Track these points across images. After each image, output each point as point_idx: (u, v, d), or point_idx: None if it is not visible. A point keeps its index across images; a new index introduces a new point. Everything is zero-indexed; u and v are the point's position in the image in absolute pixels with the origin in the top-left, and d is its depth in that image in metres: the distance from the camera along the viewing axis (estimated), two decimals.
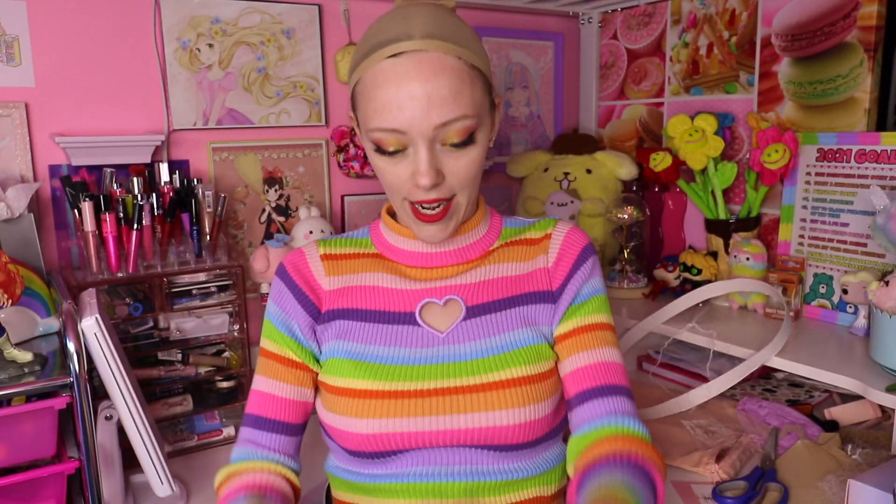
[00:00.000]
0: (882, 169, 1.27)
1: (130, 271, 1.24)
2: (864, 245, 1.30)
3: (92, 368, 1.01)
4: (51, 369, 0.99)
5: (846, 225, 1.33)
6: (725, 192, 1.54)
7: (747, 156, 1.51)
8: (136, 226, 1.23)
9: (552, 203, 1.69)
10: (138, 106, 1.38)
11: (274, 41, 1.51)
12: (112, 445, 1.07)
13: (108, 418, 1.06)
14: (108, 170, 1.31)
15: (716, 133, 1.48)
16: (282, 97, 1.53)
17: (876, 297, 1.10)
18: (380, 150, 0.79)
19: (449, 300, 0.87)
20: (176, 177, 1.36)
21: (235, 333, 1.34)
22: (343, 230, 1.64)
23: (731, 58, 1.58)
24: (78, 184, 1.25)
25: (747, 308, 1.46)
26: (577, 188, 1.69)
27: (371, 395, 0.82)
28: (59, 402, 0.96)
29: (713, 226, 1.53)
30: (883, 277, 1.12)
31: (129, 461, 1.10)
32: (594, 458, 0.77)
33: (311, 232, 1.46)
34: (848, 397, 1.32)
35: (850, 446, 1.11)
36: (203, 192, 1.33)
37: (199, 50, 1.43)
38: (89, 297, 1.08)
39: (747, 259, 1.43)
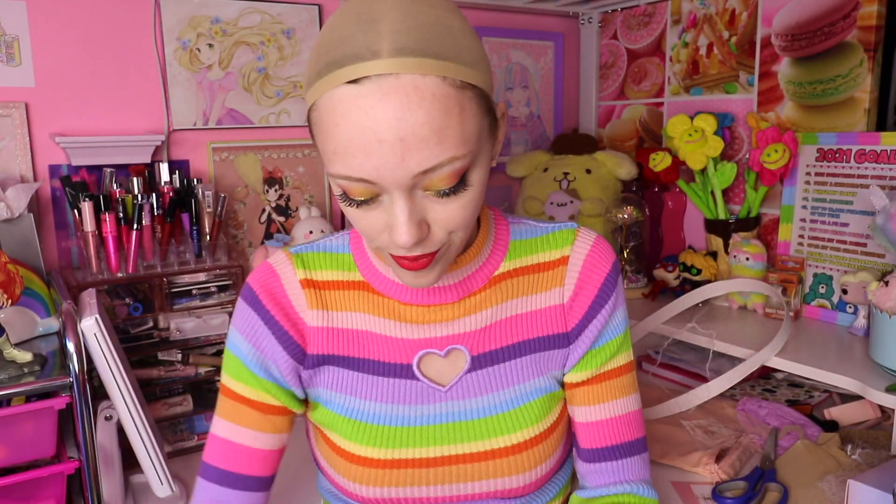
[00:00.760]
0: (882, 169, 1.27)
1: (130, 271, 1.24)
2: (864, 245, 1.30)
3: (92, 368, 1.01)
4: (50, 369, 0.99)
5: (846, 225, 1.33)
6: (725, 192, 1.54)
7: (747, 156, 1.51)
8: (136, 226, 1.23)
9: (552, 203, 1.69)
10: (138, 106, 1.38)
11: (274, 41, 1.51)
12: (112, 445, 1.07)
13: (108, 418, 1.06)
14: (108, 170, 1.31)
15: (715, 133, 1.48)
16: (282, 97, 1.53)
17: (876, 297, 1.10)
18: (347, 198, 0.62)
19: (451, 350, 0.76)
20: (176, 177, 1.36)
21: None
22: (343, 230, 1.64)
23: (731, 58, 1.58)
24: (78, 184, 1.25)
25: (747, 308, 1.46)
26: (576, 188, 1.69)
27: (374, 463, 0.74)
28: (59, 403, 0.96)
29: (713, 226, 1.53)
30: (882, 277, 1.12)
31: (129, 461, 1.10)
32: None
33: (310, 232, 1.46)
34: (847, 397, 1.32)
35: (849, 446, 1.11)
36: (203, 192, 1.33)
37: (199, 50, 1.43)
38: (89, 297, 1.08)
39: (747, 259, 1.43)
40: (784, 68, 1.48)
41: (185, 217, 1.33)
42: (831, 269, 1.35)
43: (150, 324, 1.28)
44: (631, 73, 1.82)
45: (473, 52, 0.61)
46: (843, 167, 1.33)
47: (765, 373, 1.47)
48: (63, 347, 1.00)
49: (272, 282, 0.76)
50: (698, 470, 1.12)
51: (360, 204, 0.62)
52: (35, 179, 1.29)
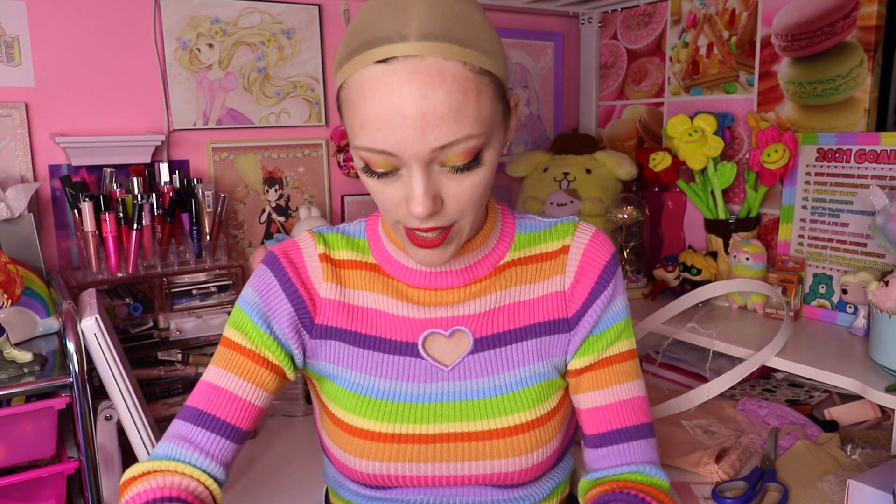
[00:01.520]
0: (882, 169, 1.27)
1: (130, 271, 1.24)
2: (864, 245, 1.30)
3: (92, 368, 1.01)
4: (50, 369, 0.99)
5: (846, 225, 1.33)
6: (725, 192, 1.55)
7: (747, 156, 1.51)
8: (136, 226, 1.24)
9: (552, 203, 1.69)
10: (138, 106, 1.38)
11: (274, 41, 1.51)
12: (112, 445, 1.07)
13: (108, 418, 1.06)
14: (108, 170, 1.31)
15: (715, 133, 1.48)
16: (282, 97, 1.53)
17: (875, 297, 1.10)
18: (368, 169, 0.68)
19: (455, 331, 0.79)
20: (176, 177, 1.36)
21: None
22: None
23: (731, 58, 1.58)
24: (78, 184, 1.25)
25: (747, 308, 1.46)
26: (576, 188, 1.69)
27: (375, 437, 0.77)
28: (59, 403, 0.96)
29: (713, 226, 1.53)
30: (882, 277, 1.12)
31: (129, 461, 1.10)
32: (609, 489, 0.76)
33: (312, 228, 1.45)
34: (847, 397, 1.32)
35: (849, 446, 1.11)
36: (203, 192, 1.33)
37: (199, 50, 1.43)
38: (89, 297, 1.08)
39: (747, 259, 1.43)
40: (784, 68, 1.48)
41: (185, 217, 1.33)
42: (831, 269, 1.35)
43: (150, 324, 1.28)
44: (631, 73, 1.82)
45: (492, 42, 0.67)
46: (843, 167, 1.33)
47: (765, 373, 1.47)
48: (63, 347, 1.00)
49: (294, 251, 0.81)
50: (698, 470, 1.12)
51: (380, 176, 0.67)
52: (35, 179, 1.29)
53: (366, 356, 0.79)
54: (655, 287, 1.60)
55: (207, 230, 1.34)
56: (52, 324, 1.13)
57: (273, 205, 1.56)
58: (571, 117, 1.99)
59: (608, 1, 1.79)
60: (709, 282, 1.50)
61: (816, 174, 1.38)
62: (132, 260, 1.24)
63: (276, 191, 1.55)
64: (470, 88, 0.64)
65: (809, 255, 1.39)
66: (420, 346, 0.79)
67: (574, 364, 0.81)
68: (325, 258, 0.81)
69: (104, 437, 1.06)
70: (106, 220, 1.22)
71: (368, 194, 1.64)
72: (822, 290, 1.37)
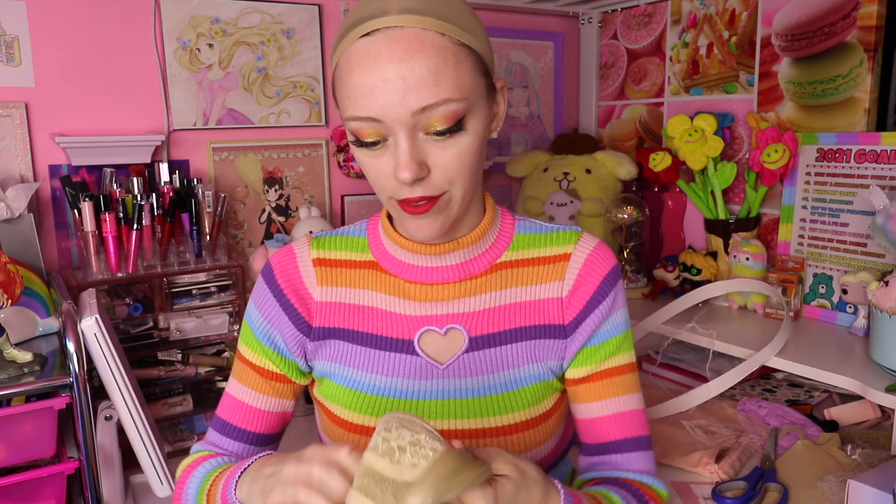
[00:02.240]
0: (882, 169, 1.27)
1: (130, 271, 1.24)
2: (864, 245, 1.30)
3: (92, 368, 1.01)
4: (50, 369, 0.99)
5: (846, 225, 1.33)
6: (725, 192, 1.55)
7: (747, 156, 1.51)
8: (136, 226, 1.23)
9: (552, 203, 1.68)
10: (138, 106, 1.38)
11: (274, 41, 1.51)
12: (112, 445, 1.07)
13: (108, 418, 1.06)
14: (108, 170, 1.31)
15: (715, 133, 1.48)
16: (282, 97, 1.53)
17: (875, 298, 1.10)
18: (358, 141, 0.70)
19: (450, 329, 0.79)
20: (176, 177, 1.36)
21: (235, 333, 1.34)
22: None
23: (731, 58, 1.58)
24: (78, 184, 1.25)
25: (747, 308, 1.46)
26: (576, 188, 1.69)
27: (369, 432, 0.78)
28: (59, 403, 0.96)
29: (713, 226, 1.53)
30: (882, 277, 1.12)
31: (129, 461, 1.10)
32: (606, 480, 0.77)
33: (311, 232, 1.46)
34: (847, 397, 1.32)
35: (849, 446, 1.11)
36: (203, 192, 1.33)
37: (199, 50, 1.43)
38: (89, 297, 1.08)
39: (747, 259, 1.43)
40: (784, 68, 1.48)
41: (185, 217, 1.33)
42: (831, 269, 1.35)
43: (150, 324, 1.28)
44: (631, 73, 1.82)
45: (472, 23, 0.71)
46: (843, 167, 1.33)
47: (765, 373, 1.47)
48: (63, 347, 1.00)
49: (288, 260, 0.83)
50: (698, 470, 1.12)
51: (370, 146, 0.69)
52: (35, 179, 1.29)
53: (362, 353, 0.80)
54: (655, 287, 1.60)
55: (207, 230, 1.34)
56: (52, 324, 1.13)
57: (273, 205, 1.56)
58: (571, 117, 1.99)
59: (608, 1, 1.79)
60: (709, 282, 1.50)
61: (816, 174, 1.38)
62: (132, 260, 1.24)
63: (276, 191, 1.55)
64: (448, 56, 0.67)
65: (809, 255, 1.39)
66: (416, 344, 0.79)
67: (571, 374, 0.81)
68: (319, 262, 0.83)
69: (104, 437, 1.06)
70: (106, 220, 1.22)
71: (368, 194, 1.65)
72: (822, 290, 1.37)
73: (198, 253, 1.32)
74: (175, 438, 1.29)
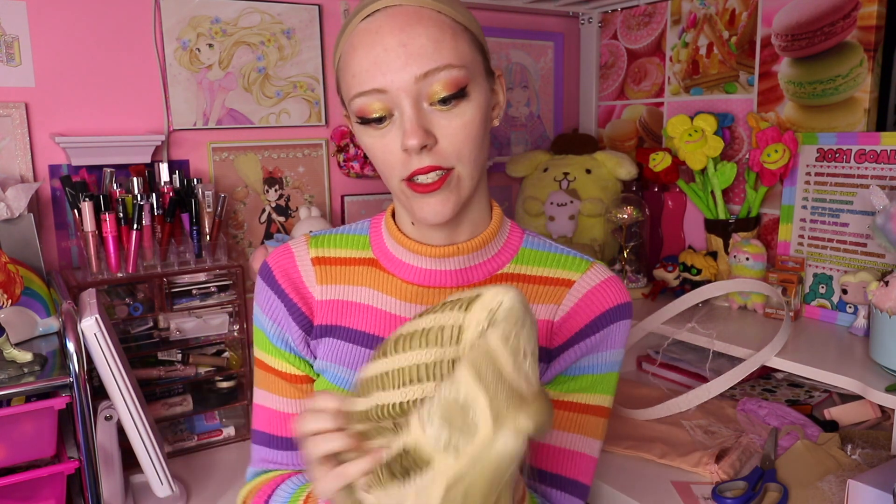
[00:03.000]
0: (882, 169, 1.27)
1: (130, 271, 1.24)
2: (864, 245, 1.30)
3: (92, 368, 1.01)
4: (50, 369, 0.99)
5: (846, 225, 1.33)
6: (725, 192, 1.54)
7: (747, 156, 1.51)
8: (136, 226, 1.24)
9: (552, 203, 1.68)
10: (138, 106, 1.38)
11: (274, 41, 1.51)
12: (112, 445, 1.07)
13: (108, 418, 1.06)
14: (108, 170, 1.31)
15: (715, 133, 1.48)
16: (282, 97, 1.53)
17: (875, 297, 1.10)
18: (364, 120, 0.70)
19: None
20: (176, 177, 1.36)
21: (235, 333, 1.34)
22: None
23: (731, 58, 1.58)
24: (78, 184, 1.25)
25: (747, 308, 1.46)
26: (576, 188, 1.69)
27: None
28: (59, 403, 0.96)
29: (713, 226, 1.53)
30: (882, 277, 1.12)
31: (129, 461, 1.10)
32: None
33: (310, 232, 1.45)
34: (847, 397, 1.32)
35: (849, 446, 1.11)
36: (203, 192, 1.33)
37: (199, 50, 1.43)
38: (89, 297, 1.08)
39: (747, 259, 1.43)
40: (784, 68, 1.48)
41: (185, 217, 1.33)
42: (831, 269, 1.35)
43: (150, 324, 1.28)
44: (631, 73, 1.82)
45: (466, 11, 0.73)
46: (843, 167, 1.33)
47: (765, 373, 1.47)
48: (63, 347, 1.00)
49: (286, 260, 0.83)
50: (698, 470, 1.12)
51: (376, 123, 0.70)
52: (35, 179, 1.29)
53: (354, 351, 0.79)
54: (655, 287, 1.60)
55: (207, 230, 1.34)
56: (52, 324, 1.13)
57: (273, 205, 1.56)
58: (571, 117, 1.99)
59: (608, 1, 1.79)
60: (709, 282, 1.49)
61: (816, 174, 1.38)
62: (132, 260, 1.24)
63: (276, 191, 1.55)
64: (446, 28, 0.69)
65: (809, 255, 1.39)
66: None
67: None
68: (318, 261, 0.82)
69: (104, 437, 1.06)
70: (106, 220, 1.22)
71: (368, 194, 1.65)
72: (822, 290, 1.37)
73: (198, 253, 1.32)
74: (175, 438, 1.29)
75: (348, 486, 0.57)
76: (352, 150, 1.55)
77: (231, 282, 1.33)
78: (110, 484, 1.07)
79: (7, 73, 1.26)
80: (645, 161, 1.58)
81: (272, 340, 0.82)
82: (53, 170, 1.31)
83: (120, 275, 1.24)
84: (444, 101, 0.68)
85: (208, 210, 1.34)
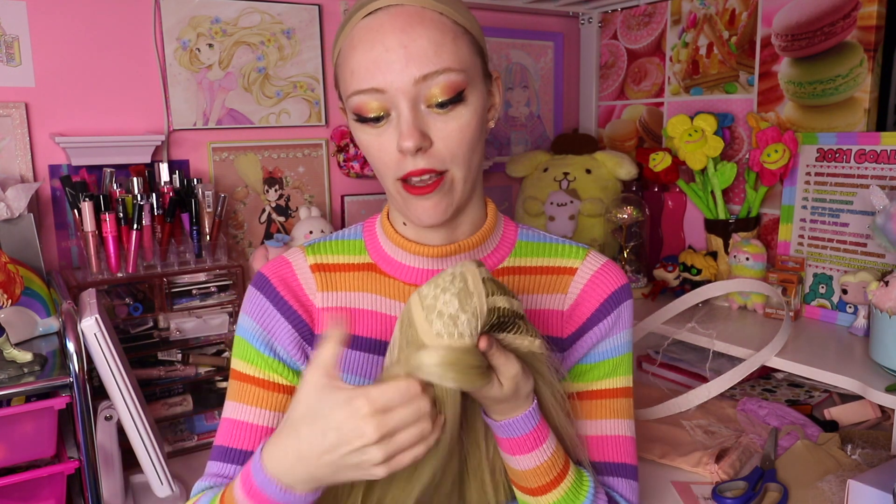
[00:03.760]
0: (882, 169, 1.27)
1: (130, 271, 1.24)
2: (864, 245, 1.30)
3: (92, 368, 1.01)
4: (50, 369, 0.99)
5: (846, 225, 1.33)
6: (725, 192, 1.54)
7: (747, 156, 1.51)
8: (136, 226, 1.23)
9: (552, 203, 1.68)
10: (138, 106, 1.38)
11: (274, 41, 1.51)
12: (112, 445, 1.07)
13: (108, 418, 1.06)
14: (108, 170, 1.31)
15: (715, 133, 1.48)
16: (282, 97, 1.53)
17: (875, 297, 1.10)
18: (361, 118, 0.70)
19: None
20: (176, 177, 1.36)
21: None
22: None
23: (731, 58, 1.58)
24: (78, 184, 1.25)
25: (747, 308, 1.46)
26: (576, 188, 1.69)
27: None
28: (59, 403, 0.96)
29: (713, 226, 1.53)
30: (882, 277, 1.12)
31: (129, 461, 1.10)
32: None
33: (310, 232, 1.46)
34: (847, 397, 1.32)
35: (849, 446, 1.11)
36: (203, 192, 1.33)
37: (199, 50, 1.43)
38: (89, 297, 1.08)
39: (747, 259, 1.43)
40: (784, 68, 1.48)
41: (185, 217, 1.33)
42: (831, 269, 1.35)
43: (150, 324, 1.28)
44: (631, 73, 1.82)
45: (466, 12, 0.73)
46: (843, 167, 1.33)
47: (765, 373, 1.47)
48: (63, 347, 1.00)
49: (284, 269, 0.81)
50: (698, 470, 1.12)
51: (373, 122, 0.70)
52: (35, 179, 1.29)
53: (361, 358, 0.78)
54: (655, 287, 1.60)
55: (207, 230, 1.34)
56: (52, 324, 1.13)
57: (273, 205, 1.56)
58: (571, 117, 1.99)
59: (608, 1, 1.79)
60: (709, 282, 1.49)
61: (816, 174, 1.38)
62: (132, 260, 1.24)
63: (276, 191, 1.55)
64: (447, 30, 0.69)
65: (809, 255, 1.39)
66: None
67: (564, 388, 0.80)
68: (318, 268, 0.81)
69: (104, 437, 1.06)
70: (106, 220, 1.22)
71: (368, 194, 1.65)
72: (822, 290, 1.37)
73: (198, 253, 1.32)
74: (175, 438, 1.29)
75: None
76: (352, 150, 1.55)
77: (231, 282, 1.33)
78: (110, 484, 1.07)
79: (7, 73, 1.26)
80: (645, 161, 1.58)
81: (256, 347, 0.78)
82: (53, 170, 1.31)
83: (120, 275, 1.24)
84: (441, 105, 0.69)
85: (208, 210, 1.34)
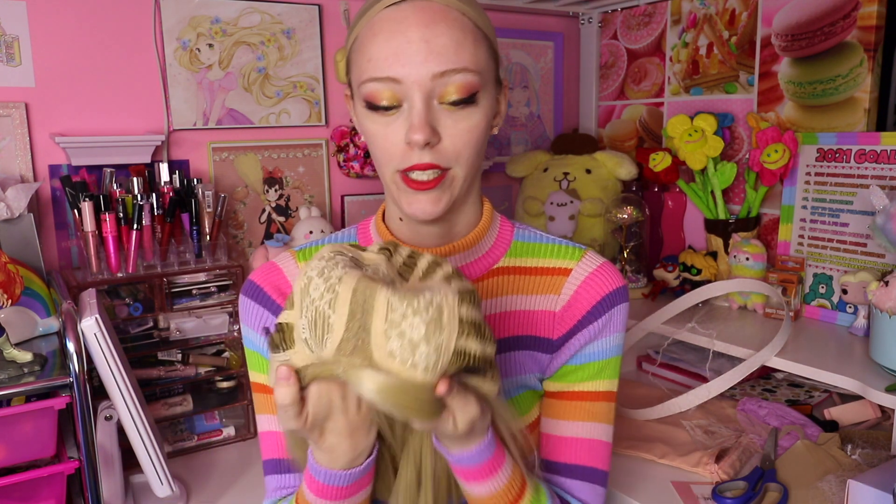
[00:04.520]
0: (882, 169, 1.27)
1: (130, 271, 1.24)
2: (864, 245, 1.30)
3: (92, 368, 1.01)
4: (50, 369, 0.99)
5: (846, 225, 1.33)
6: (725, 192, 1.54)
7: (747, 156, 1.51)
8: (135, 226, 1.24)
9: (552, 203, 1.68)
10: (138, 106, 1.38)
11: (274, 41, 1.51)
12: (112, 445, 1.07)
13: (108, 418, 1.06)
14: (108, 170, 1.31)
15: (715, 133, 1.48)
16: (282, 97, 1.53)
17: (875, 298, 1.10)
18: (371, 106, 0.70)
19: None
20: (176, 177, 1.36)
21: (235, 333, 1.34)
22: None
23: (731, 58, 1.58)
24: (78, 184, 1.25)
25: (747, 308, 1.46)
26: (576, 188, 1.69)
27: None
28: (59, 402, 0.96)
29: (713, 226, 1.53)
30: (882, 277, 1.12)
31: (129, 461, 1.10)
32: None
33: (310, 232, 1.46)
34: (847, 397, 1.32)
35: (849, 446, 1.11)
36: (203, 192, 1.33)
37: (199, 50, 1.43)
38: (89, 297, 1.08)
39: (747, 259, 1.43)
40: (784, 68, 1.48)
41: (185, 217, 1.33)
42: (831, 269, 1.35)
43: (150, 324, 1.28)
44: (631, 73, 1.82)
45: (487, 18, 0.74)
46: (843, 167, 1.33)
47: (765, 373, 1.47)
48: (63, 347, 1.00)
49: (274, 274, 0.80)
50: (698, 470, 1.12)
51: (384, 111, 0.70)
52: (35, 179, 1.29)
53: None
54: (655, 287, 1.60)
55: (207, 230, 1.34)
56: (52, 324, 1.13)
57: (273, 205, 1.56)
58: (571, 117, 1.99)
59: (608, 1, 1.79)
60: (709, 282, 1.49)
61: (816, 174, 1.38)
62: (132, 260, 1.24)
63: (276, 191, 1.55)
64: (468, 31, 0.70)
65: (809, 255, 1.39)
66: None
67: (547, 385, 0.80)
68: None
69: (104, 437, 1.06)
70: (106, 220, 1.22)
71: (368, 194, 1.65)
72: (822, 290, 1.37)
73: (198, 253, 1.32)
74: (175, 438, 1.29)
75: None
76: (352, 150, 1.55)
77: (231, 282, 1.33)
78: (110, 484, 1.07)
79: (7, 73, 1.26)
80: (645, 161, 1.58)
81: (265, 356, 0.78)
82: (53, 170, 1.31)
83: (120, 275, 1.24)
84: (454, 104, 0.69)
85: (208, 210, 1.34)
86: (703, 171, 1.51)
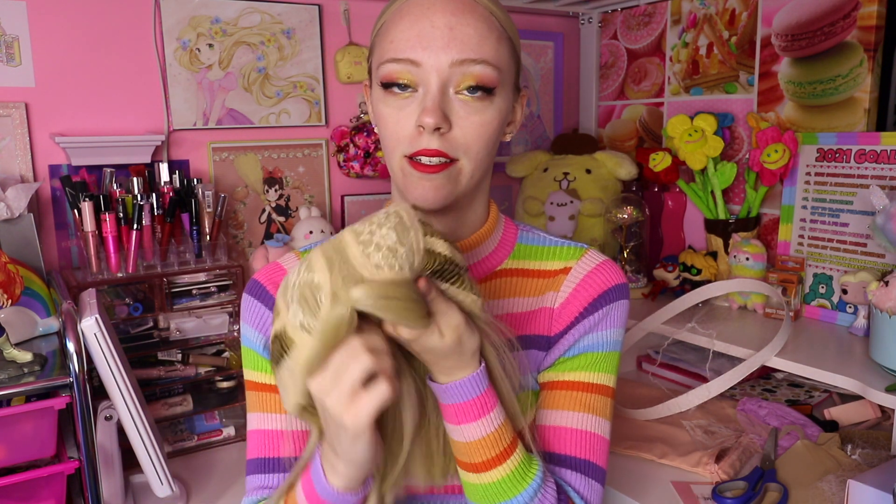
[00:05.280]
0: (882, 169, 1.27)
1: (130, 271, 1.24)
2: (864, 245, 1.30)
3: (92, 368, 1.01)
4: (50, 369, 0.99)
5: (846, 225, 1.33)
6: (725, 192, 1.54)
7: (747, 156, 1.51)
8: (135, 226, 1.24)
9: (552, 203, 1.68)
10: (138, 106, 1.38)
11: (274, 41, 1.51)
12: (112, 445, 1.07)
13: (108, 418, 1.06)
14: (108, 170, 1.31)
15: (715, 133, 1.48)
16: (282, 97, 1.53)
17: (875, 297, 1.10)
18: (387, 85, 0.70)
19: None
20: (176, 177, 1.36)
21: (235, 333, 1.34)
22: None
23: (731, 58, 1.58)
24: (78, 184, 1.25)
25: (747, 308, 1.46)
26: (576, 188, 1.69)
27: None
28: (59, 403, 0.96)
29: (713, 226, 1.53)
30: (882, 277, 1.12)
31: (129, 461, 1.10)
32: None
33: (311, 232, 1.46)
34: (847, 397, 1.32)
35: (849, 446, 1.11)
36: (203, 192, 1.33)
37: (199, 50, 1.43)
38: (89, 297, 1.08)
39: (747, 259, 1.43)
40: (784, 68, 1.48)
41: (185, 217, 1.33)
42: (831, 269, 1.35)
43: (150, 324, 1.28)
44: (631, 73, 1.82)
45: (513, 24, 0.75)
46: (843, 167, 1.33)
47: (765, 373, 1.47)
48: (63, 347, 1.00)
49: (278, 274, 0.80)
50: (698, 470, 1.12)
51: (399, 90, 0.69)
52: (35, 179, 1.29)
53: None
54: (655, 287, 1.60)
55: (207, 230, 1.34)
56: (52, 324, 1.13)
57: (273, 205, 1.56)
58: (571, 117, 1.99)
59: (608, 1, 1.79)
60: (709, 282, 1.49)
61: (816, 174, 1.38)
62: (132, 260, 1.24)
63: (276, 191, 1.55)
64: (493, 28, 0.70)
65: (809, 255, 1.39)
66: None
67: (541, 377, 0.79)
68: None
69: (104, 437, 1.06)
70: (106, 220, 1.22)
71: (368, 194, 1.65)
72: (822, 290, 1.37)
73: (198, 253, 1.32)
74: (175, 438, 1.29)
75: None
76: (352, 150, 1.55)
77: (231, 282, 1.33)
78: (110, 484, 1.07)
79: (7, 73, 1.26)
80: (645, 161, 1.58)
81: (264, 355, 0.78)
82: (53, 170, 1.31)
83: (120, 275, 1.24)
84: (470, 90, 0.69)
85: (208, 210, 1.34)
86: (703, 171, 1.51)
